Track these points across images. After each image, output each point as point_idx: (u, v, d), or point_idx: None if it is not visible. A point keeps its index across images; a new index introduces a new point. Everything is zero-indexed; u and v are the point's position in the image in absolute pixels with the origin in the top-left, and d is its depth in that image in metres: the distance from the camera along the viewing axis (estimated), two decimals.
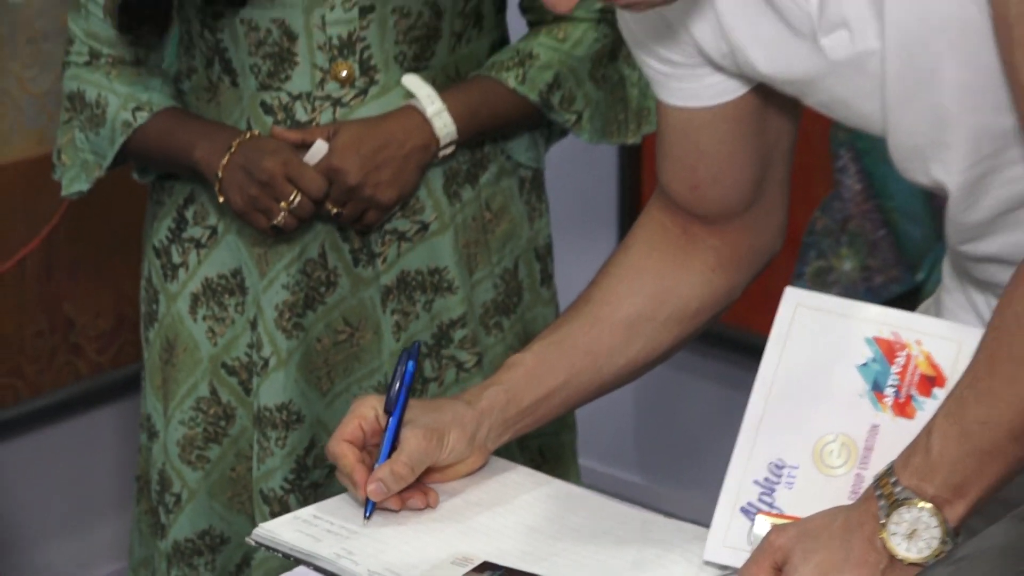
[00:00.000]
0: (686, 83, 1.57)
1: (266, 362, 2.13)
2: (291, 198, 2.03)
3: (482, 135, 2.15)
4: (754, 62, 1.50)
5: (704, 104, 1.57)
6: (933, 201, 2.79)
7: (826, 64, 1.44)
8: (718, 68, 1.55)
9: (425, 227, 2.15)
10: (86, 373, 2.96)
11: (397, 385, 1.60)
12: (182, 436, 2.17)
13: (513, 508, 1.60)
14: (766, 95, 1.57)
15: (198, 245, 2.17)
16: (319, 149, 2.05)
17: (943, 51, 1.37)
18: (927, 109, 1.42)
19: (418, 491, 1.59)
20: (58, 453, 3.00)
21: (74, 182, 2.22)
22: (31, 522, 3.00)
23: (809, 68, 1.46)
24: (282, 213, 2.04)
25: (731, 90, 1.56)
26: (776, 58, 1.48)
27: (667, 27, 1.53)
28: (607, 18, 2.14)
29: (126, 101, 2.12)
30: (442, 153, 2.10)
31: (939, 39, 1.37)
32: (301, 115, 2.10)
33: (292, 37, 2.08)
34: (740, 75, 1.54)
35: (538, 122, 2.20)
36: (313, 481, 2.15)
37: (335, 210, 2.06)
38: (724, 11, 1.49)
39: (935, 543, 1.30)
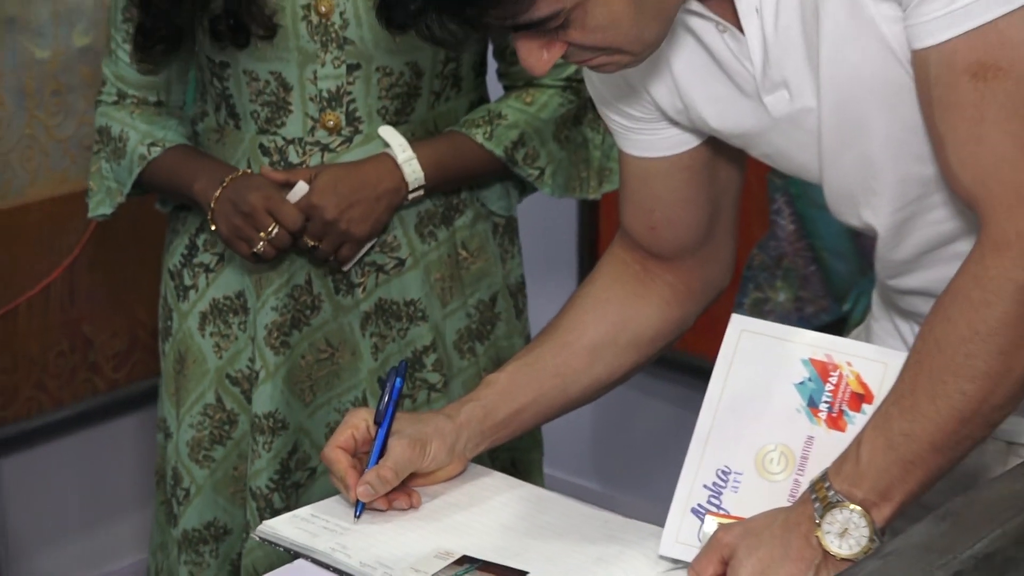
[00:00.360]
0: (645, 136, 1.58)
1: (258, 374, 2.13)
2: (270, 229, 2.03)
3: (452, 184, 2.14)
4: (706, 118, 1.51)
5: (661, 154, 1.59)
6: (858, 241, 2.79)
7: (769, 120, 1.46)
8: (673, 123, 1.56)
9: (401, 262, 2.14)
10: (103, 388, 2.94)
11: (386, 399, 1.60)
12: (191, 438, 2.17)
13: (489, 508, 1.61)
14: (716, 147, 1.58)
15: (207, 270, 2.17)
16: (300, 189, 2.05)
17: (872, 108, 1.39)
18: (858, 159, 1.44)
19: (403, 493, 1.59)
20: (78, 458, 2.99)
21: (99, 206, 2.20)
22: (55, 519, 2.99)
23: (754, 124, 1.48)
24: (261, 242, 2.03)
25: (685, 142, 1.57)
26: (725, 114, 1.50)
27: (629, 87, 1.55)
28: (573, 86, 2.15)
29: (144, 137, 2.13)
30: (412, 196, 2.09)
31: (868, 97, 1.39)
32: (293, 157, 2.11)
33: (287, 88, 2.08)
34: (693, 129, 1.56)
35: (505, 175, 2.19)
36: (295, 481, 2.14)
37: (311, 243, 2.05)
38: (679, 73, 1.50)
39: (864, 541, 1.33)
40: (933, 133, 1.35)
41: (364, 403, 1.95)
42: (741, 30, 1.42)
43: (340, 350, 2.16)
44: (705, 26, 1.45)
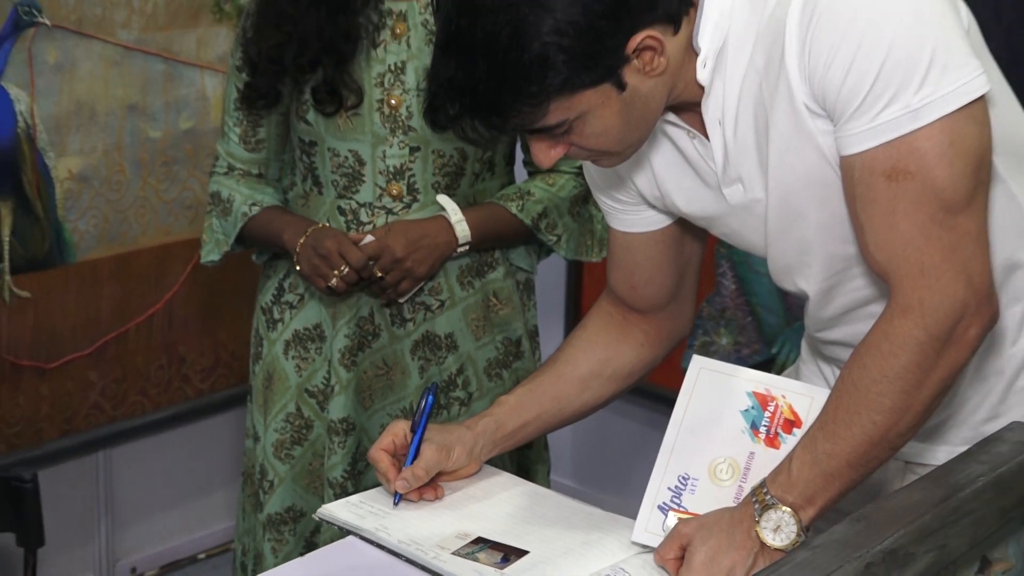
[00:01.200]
0: (629, 215, 1.59)
1: (333, 388, 2.13)
2: (341, 268, 2.02)
3: (489, 243, 2.14)
4: (677, 203, 1.52)
5: (641, 230, 1.59)
6: (785, 299, 2.79)
7: (727, 207, 1.46)
8: (651, 206, 1.56)
9: (443, 304, 2.14)
10: (191, 395, 2.94)
11: (420, 414, 1.61)
12: (275, 440, 2.16)
13: (498, 500, 1.60)
14: (684, 226, 1.58)
15: (291, 307, 2.16)
16: (368, 239, 2.05)
17: (807, 200, 1.39)
18: (796, 240, 1.44)
19: (431, 487, 1.58)
20: (171, 448, 2.99)
21: (209, 253, 2.19)
22: (151, 496, 2.99)
23: (715, 209, 1.48)
24: (334, 278, 2.03)
25: (660, 221, 1.57)
26: (692, 201, 1.50)
27: (618, 177, 1.55)
28: (583, 173, 2.13)
29: (246, 199, 2.13)
30: (460, 250, 2.09)
31: (805, 191, 1.39)
32: (364, 218, 2.10)
33: (362, 163, 2.08)
34: (667, 211, 1.56)
35: (530, 240, 2.18)
36: (359, 471, 2.13)
37: (380, 274, 2.04)
38: (657, 167, 1.51)
39: (793, 536, 1.33)
40: (855, 221, 1.35)
41: (411, 411, 1.95)
42: (707, 137, 1.43)
43: (394, 369, 2.15)
44: (678, 132, 1.46)
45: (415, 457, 1.58)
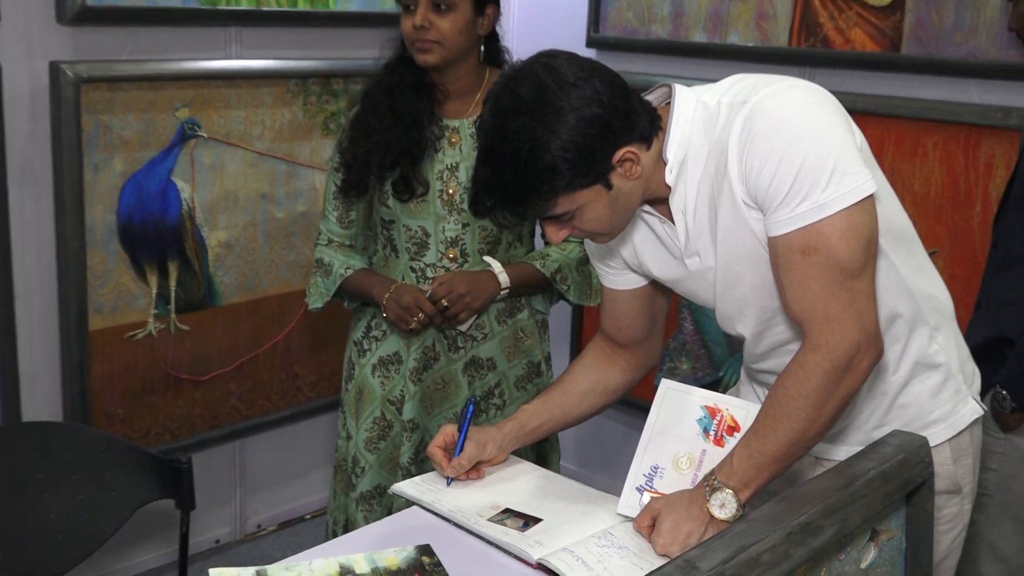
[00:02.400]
0: (616, 277, 1.58)
1: (405, 398, 2.11)
2: (418, 315, 2.01)
3: (520, 291, 2.12)
4: (651, 270, 1.52)
5: (625, 288, 1.58)
6: (729, 338, 2.76)
7: (687, 273, 1.46)
8: (633, 271, 1.56)
9: (485, 336, 2.13)
10: (302, 401, 2.93)
11: (463, 419, 1.61)
12: (366, 437, 2.14)
13: (521, 482, 1.60)
14: (656, 286, 1.58)
15: (376, 340, 2.14)
16: (430, 291, 2.04)
17: (744, 268, 1.39)
18: (735, 297, 1.44)
19: (475, 471, 1.59)
20: (288, 438, 2.97)
21: (314, 303, 2.17)
22: (275, 473, 2.98)
23: (678, 274, 1.48)
24: (414, 322, 2.02)
25: (638, 282, 1.57)
26: (662, 269, 1.50)
27: (609, 250, 1.55)
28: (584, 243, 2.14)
29: (342, 264, 2.12)
30: (501, 294, 2.07)
31: (743, 262, 1.39)
32: (430, 274, 2.08)
33: (427, 235, 2.07)
34: (644, 275, 1.55)
35: (547, 289, 2.17)
36: (421, 459, 2.11)
37: (445, 303, 2.01)
38: (637, 244, 1.51)
39: (734, 511, 1.32)
40: (778, 283, 1.35)
41: (461, 415, 1.94)
42: (673, 222, 1.43)
43: (449, 384, 2.13)
44: (652, 219, 1.46)
45: (460, 451, 1.58)
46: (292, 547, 2.89)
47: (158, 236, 2.52)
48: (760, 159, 1.29)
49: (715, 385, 2.82)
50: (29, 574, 1.58)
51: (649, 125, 1.36)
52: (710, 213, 1.39)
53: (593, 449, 3.18)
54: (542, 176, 1.28)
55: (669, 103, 1.39)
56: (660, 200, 1.42)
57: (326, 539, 2.04)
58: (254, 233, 2.71)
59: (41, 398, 2.43)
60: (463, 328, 2.09)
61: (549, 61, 1.30)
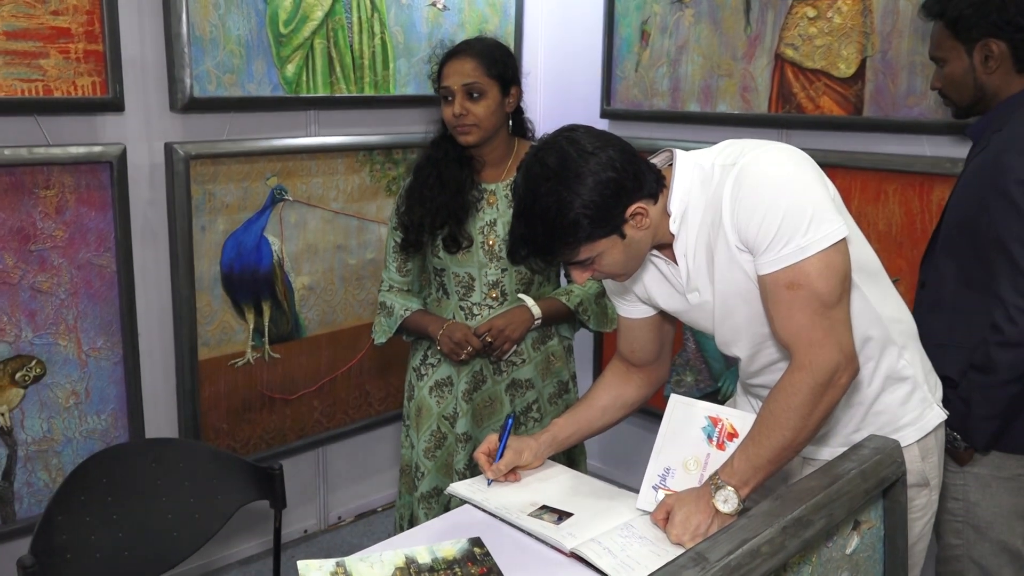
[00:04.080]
0: (630, 308, 1.56)
1: (458, 414, 2.08)
2: (468, 349, 2.00)
3: (550, 321, 2.09)
4: (659, 303, 1.49)
5: (637, 317, 1.56)
6: (726, 357, 2.72)
7: (689, 306, 1.44)
8: (644, 303, 1.54)
9: (524, 360, 2.10)
10: (373, 414, 2.91)
11: (503, 431, 1.60)
12: (424, 447, 2.12)
13: (555, 482, 1.57)
14: (664, 315, 1.55)
15: (432, 367, 2.12)
16: (479, 326, 2.03)
17: (738, 302, 1.37)
18: (731, 327, 1.41)
19: (512, 474, 1.57)
20: (362, 445, 2.96)
21: (379, 338, 2.15)
22: (352, 473, 2.95)
23: (682, 307, 1.46)
24: (464, 354, 2.00)
25: (648, 312, 1.55)
26: (668, 302, 1.48)
27: (624, 287, 1.53)
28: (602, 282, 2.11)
29: (401, 306, 2.10)
30: (535, 324, 2.05)
31: (737, 297, 1.36)
32: (476, 311, 2.06)
33: (473, 280, 2.05)
34: (653, 306, 1.53)
35: (572, 319, 2.13)
36: (473, 465, 2.07)
37: (489, 340, 2.00)
38: (647, 281, 1.48)
39: (736, 505, 1.29)
40: (768, 314, 1.33)
41: (502, 428, 1.91)
42: (677, 264, 1.41)
43: (495, 401, 2.10)
44: (659, 261, 1.44)
45: (500, 457, 1.56)
46: (367, 535, 2.88)
47: (254, 282, 2.53)
48: (748, 211, 1.28)
49: (714, 395, 2.78)
50: (151, 565, 1.57)
51: (655, 184, 1.34)
52: (707, 256, 1.36)
53: (615, 450, 3.14)
54: (567, 230, 1.27)
55: (671, 164, 1.38)
56: (666, 245, 1.41)
57: (394, 532, 2.02)
58: (332, 277, 2.71)
59: (161, 417, 2.44)
60: (504, 357, 2.07)
61: (571, 134, 1.30)
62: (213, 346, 2.48)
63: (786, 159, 1.30)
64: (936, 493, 1.52)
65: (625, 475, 2.98)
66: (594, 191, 1.26)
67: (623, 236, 1.32)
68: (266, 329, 2.59)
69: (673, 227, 1.37)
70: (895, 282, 1.51)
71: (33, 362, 2.16)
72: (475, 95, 1.95)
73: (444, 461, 2.13)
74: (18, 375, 2.14)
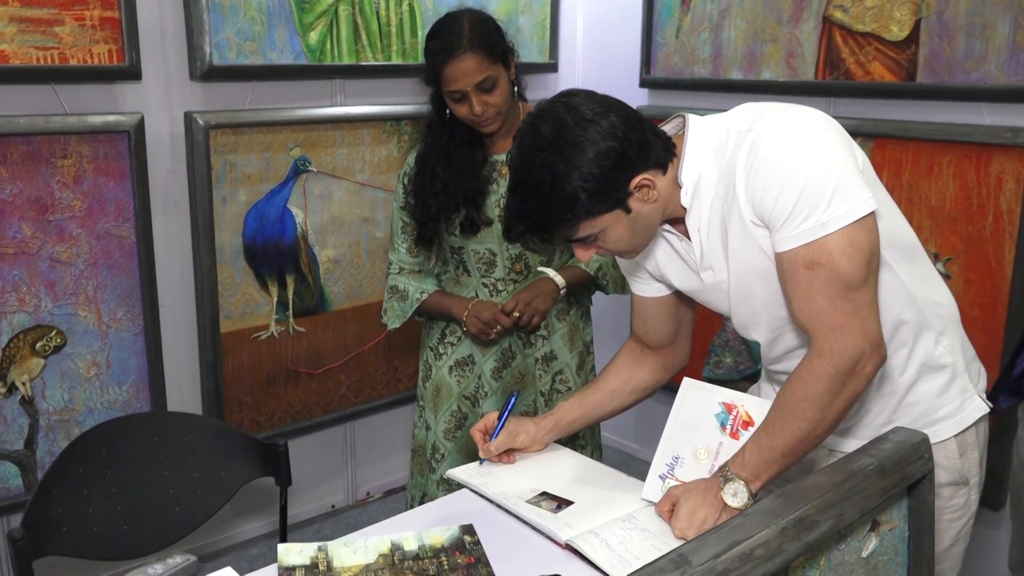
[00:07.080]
0: (644, 286, 1.49)
1: (486, 394, 2.04)
2: (496, 328, 1.95)
3: (572, 287, 2.03)
4: (672, 281, 1.42)
5: (652, 296, 1.49)
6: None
7: (703, 285, 1.36)
8: (657, 281, 1.46)
9: (551, 333, 2.05)
10: (401, 390, 2.90)
11: (504, 410, 1.54)
12: (444, 428, 2.08)
13: (557, 467, 1.52)
14: (680, 296, 1.48)
15: (452, 345, 2.07)
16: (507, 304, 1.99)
17: (755, 282, 1.28)
18: (748, 309, 1.33)
19: (505, 456, 1.53)
20: (390, 420, 2.95)
21: (392, 323, 2.10)
22: (379, 449, 2.95)
23: (696, 286, 1.38)
24: (493, 334, 1.96)
25: (663, 291, 1.47)
26: (682, 281, 1.40)
27: (636, 264, 1.46)
28: None
29: (416, 289, 2.05)
30: (561, 293, 2.00)
31: (753, 276, 1.28)
32: (500, 287, 2.01)
33: (494, 255, 2.00)
34: (667, 285, 1.46)
35: (591, 284, 2.08)
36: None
37: (517, 313, 1.95)
38: (659, 258, 1.41)
39: (745, 499, 1.23)
40: (786, 295, 1.24)
41: (537, 404, 1.84)
42: (690, 239, 1.33)
43: (526, 376, 2.05)
44: (672, 237, 1.36)
45: (495, 437, 1.52)
46: (395, 511, 2.84)
47: (277, 254, 2.52)
48: (764, 182, 1.18)
49: (755, 376, 2.68)
50: (150, 540, 1.56)
51: (664, 153, 1.25)
52: (721, 232, 1.28)
53: (638, 424, 3.11)
54: (564, 205, 1.20)
55: (683, 132, 1.29)
56: (678, 219, 1.32)
57: (407, 507, 2.00)
58: (358, 250, 2.68)
59: (184, 389, 2.45)
60: (531, 329, 2.02)
61: (569, 100, 1.21)
62: (236, 319, 2.47)
63: (808, 124, 1.20)
64: (976, 493, 1.42)
65: (637, 446, 2.96)
66: (593, 163, 1.18)
67: (628, 210, 1.24)
68: (290, 302, 2.58)
69: (685, 200, 1.28)
70: (947, 262, 1.41)
71: (53, 332, 2.18)
72: (489, 87, 1.86)
73: (464, 442, 2.09)
74: (38, 345, 2.17)
